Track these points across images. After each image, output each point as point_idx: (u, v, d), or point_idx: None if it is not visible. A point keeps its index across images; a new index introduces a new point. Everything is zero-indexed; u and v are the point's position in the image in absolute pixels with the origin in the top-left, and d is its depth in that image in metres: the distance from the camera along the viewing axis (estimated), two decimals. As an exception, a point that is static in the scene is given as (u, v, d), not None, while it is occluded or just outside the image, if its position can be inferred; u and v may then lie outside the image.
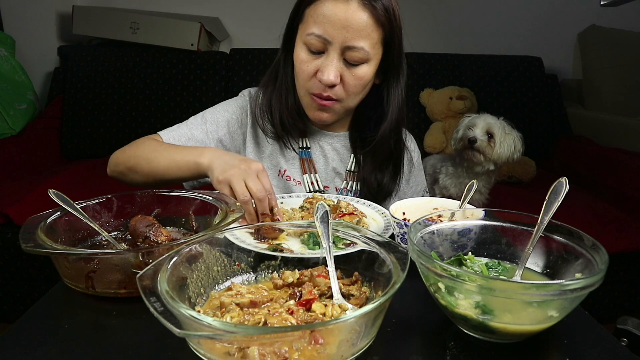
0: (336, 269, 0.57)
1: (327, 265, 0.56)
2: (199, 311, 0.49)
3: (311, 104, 0.96)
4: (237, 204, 0.72)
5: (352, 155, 1.08)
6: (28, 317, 0.55)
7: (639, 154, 1.94)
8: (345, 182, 1.07)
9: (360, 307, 0.49)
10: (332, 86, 0.90)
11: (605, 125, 2.35)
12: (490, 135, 1.65)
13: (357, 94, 0.94)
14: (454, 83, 2.42)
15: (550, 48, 2.67)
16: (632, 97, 2.48)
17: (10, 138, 2.14)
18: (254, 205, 0.77)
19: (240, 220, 0.74)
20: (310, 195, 0.94)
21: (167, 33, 2.33)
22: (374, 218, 0.84)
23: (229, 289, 0.56)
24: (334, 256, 0.57)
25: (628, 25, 2.59)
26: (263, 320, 0.47)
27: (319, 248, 0.66)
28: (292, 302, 0.52)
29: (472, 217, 0.68)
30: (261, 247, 0.64)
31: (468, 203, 0.77)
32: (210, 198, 0.75)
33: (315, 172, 1.05)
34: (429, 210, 0.79)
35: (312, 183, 1.04)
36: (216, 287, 0.58)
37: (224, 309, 0.50)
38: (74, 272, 0.59)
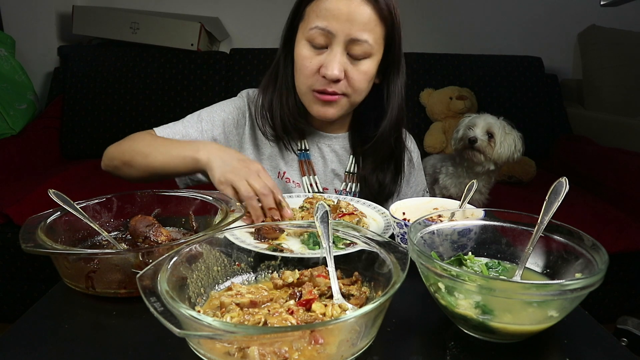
0: (336, 269, 0.57)
1: (327, 265, 0.56)
2: (199, 311, 0.49)
3: (314, 101, 0.94)
4: (238, 203, 0.72)
5: (352, 156, 1.07)
6: (28, 317, 0.55)
7: (639, 154, 1.94)
8: (344, 183, 1.07)
9: (360, 307, 0.49)
10: (337, 81, 0.90)
11: (605, 125, 2.35)
12: (490, 135, 1.65)
13: (362, 89, 0.94)
14: (454, 83, 2.42)
15: (550, 48, 2.67)
16: (632, 97, 2.48)
17: (10, 138, 2.14)
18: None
19: (244, 217, 0.74)
20: (310, 195, 0.94)
21: (167, 33, 2.33)
22: (374, 218, 0.84)
23: (229, 289, 0.56)
24: (334, 256, 0.57)
25: (628, 25, 2.59)
26: (263, 320, 0.47)
27: (319, 248, 0.66)
28: (292, 302, 0.52)
29: (472, 217, 0.68)
30: (261, 247, 0.64)
31: (468, 203, 0.77)
32: (210, 198, 0.75)
33: (314, 174, 1.05)
34: (429, 210, 0.79)
35: (311, 185, 1.04)
36: (216, 287, 0.58)
37: (224, 309, 0.50)
38: (74, 272, 0.59)
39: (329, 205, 0.63)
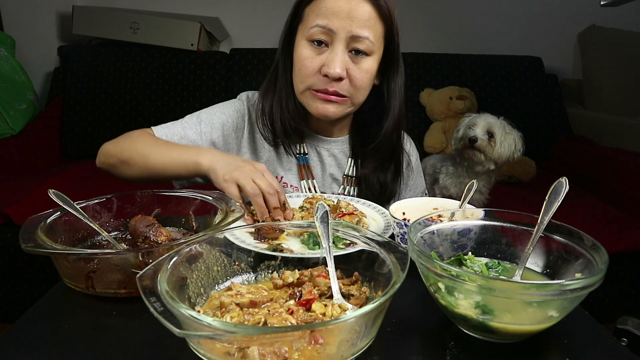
0: (336, 269, 0.57)
1: (327, 265, 0.56)
2: (199, 311, 0.49)
3: (313, 99, 0.93)
4: (237, 204, 0.72)
5: (351, 159, 1.07)
6: (28, 317, 0.55)
7: (639, 154, 1.94)
8: (342, 187, 1.07)
9: (360, 307, 0.49)
10: (339, 80, 0.89)
11: (605, 125, 2.35)
12: (490, 135, 1.65)
13: (364, 88, 0.93)
14: (454, 83, 2.42)
15: (550, 48, 2.67)
16: (632, 97, 2.48)
17: (10, 138, 2.14)
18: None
19: (247, 216, 0.74)
20: (310, 195, 0.94)
21: (167, 33, 2.33)
22: (374, 218, 0.84)
23: (229, 289, 0.56)
24: (334, 256, 0.57)
25: (628, 25, 2.59)
26: (263, 320, 0.47)
27: (319, 248, 0.66)
28: (292, 302, 0.52)
29: (472, 217, 0.68)
30: (261, 247, 0.64)
31: (468, 203, 0.77)
32: (210, 198, 0.75)
33: (313, 178, 1.05)
34: (429, 210, 0.79)
35: (309, 189, 1.04)
36: (216, 287, 0.58)
37: (224, 309, 0.50)
38: (74, 272, 0.59)
39: (328, 205, 0.63)
